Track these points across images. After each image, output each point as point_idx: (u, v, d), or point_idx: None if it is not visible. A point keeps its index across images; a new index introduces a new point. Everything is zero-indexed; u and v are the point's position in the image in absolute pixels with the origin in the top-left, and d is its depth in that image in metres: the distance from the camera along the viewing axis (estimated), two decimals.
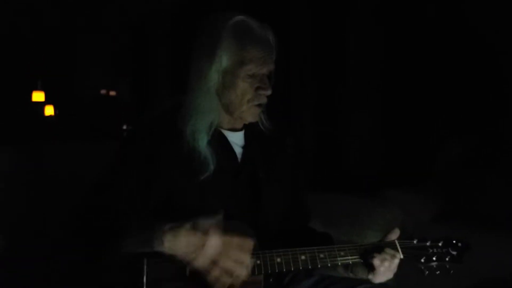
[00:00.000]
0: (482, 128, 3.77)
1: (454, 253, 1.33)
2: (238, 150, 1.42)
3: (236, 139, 1.43)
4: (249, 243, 1.19)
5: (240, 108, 1.36)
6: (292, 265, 1.27)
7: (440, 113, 4.01)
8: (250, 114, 1.38)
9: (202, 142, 1.32)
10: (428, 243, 1.34)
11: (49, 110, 7.89)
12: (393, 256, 1.29)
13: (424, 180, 3.70)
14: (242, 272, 1.17)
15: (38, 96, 7.78)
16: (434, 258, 1.32)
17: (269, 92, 1.36)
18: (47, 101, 7.88)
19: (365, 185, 4.01)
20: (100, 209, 1.30)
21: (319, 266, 1.28)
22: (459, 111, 3.92)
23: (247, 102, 1.35)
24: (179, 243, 1.15)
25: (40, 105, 7.83)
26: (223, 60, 1.30)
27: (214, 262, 1.16)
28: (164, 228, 1.16)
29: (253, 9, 1.42)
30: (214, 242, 1.15)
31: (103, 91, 8.61)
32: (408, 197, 3.43)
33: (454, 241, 1.35)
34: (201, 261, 1.15)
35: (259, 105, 1.38)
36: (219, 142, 1.38)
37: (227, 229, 1.21)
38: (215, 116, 1.35)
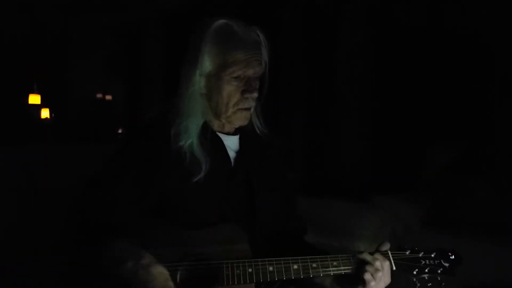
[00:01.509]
0: (470, 135, 3.82)
1: (447, 265, 1.32)
2: (232, 155, 1.42)
3: (231, 143, 1.43)
4: None
5: (226, 112, 1.36)
6: (284, 274, 1.26)
7: (429, 120, 4.05)
8: (237, 118, 1.38)
9: (190, 143, 1.33)
10: (420, 255, 1.33)
11: (45, 113, 7.88)
12: (385, 268, 1.28)
13: (413, 186, 3.74)
14: None
15: (34, 99, 7.75)
16: (426, 270, 1.31)
17: (255, 95, 1.35)
18: (43, 104, 7.86)
19: (355, 191, 4.05)
20: (92, 208, 1.32)
21: (311, 275, 1.27)
22: (448, 118, 3.96)
23: (233, 106, 1.35)
24: (146, 278, 1.16)
25: (36, 108, 7.81)
26: (205, 63, 1.31)
27: None
28: (143, 256, 1.18)
29: (246, 13, 1.44)
30: None
31: (99, 95, 8.59)
32: (398, 203, 3.46)
33: (447, 253, 1.33)
34: None
35: (246, 109, 1.37)
36: (214, 144, 1.39)
37: (222, 232, 1.25)
38: (200, 118, 1.36)
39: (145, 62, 7.70)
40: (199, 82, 1.33)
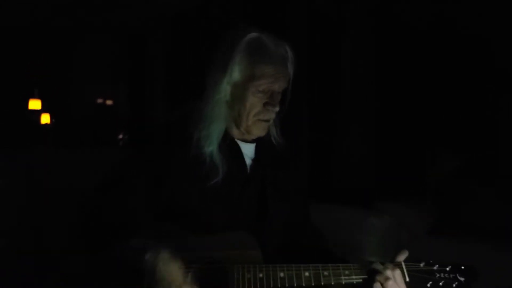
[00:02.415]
0: (475, 141, 3.81)
1: (462, 279, 1.29)
2: (249, 162, 1.45)
3: (248, 151, 1.46)
4: None
5: (246, 121, 1.38)
6: (295, 281, 1.25)
7: (434, 125, 4.05)
8: (256, 128, 1.40)
9: (212, 148, 1.36)
10: (435, 267, 1.30)
11: (45, 118, 7.88)
12: (397, 277, 1.26)
13: (419, 192, 3.72)
14: None
15: (34, 104, 7.77)
16: (441, 284, 1.28)
17: (276, 109, 1.39)
18: (44, 109, 7.87)
19: (360, 197, 4.02)
20: (107, 207, 1.34)
21: (322, 283, 1.26)
22: (453, 124, 3.95)
23: (254, 116, 1.37)
24: (164, 273, 1.18)
25: (37, 113, 7.82)
26: (235, 73, 1.34)
27: None
28: (160, 252, 1.19)
29: (251, 21, 1.45)
30: None
31: (99, 100, 8.61)
32: (403, 209, 3.44)
33: (462, 267, 1.30)
34: None
35: (266, 121, 1.40)
36: (231, 150, 1.41)
37: (233, 240, 1.25)
38: (223, 125, 1.39)
39: (145, 67, 7.73)
40: (225, 90, 1.36)
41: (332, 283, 1.26)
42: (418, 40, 4.08)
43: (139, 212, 1.34)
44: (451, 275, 1.29)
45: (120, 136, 8.18)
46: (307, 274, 1.25)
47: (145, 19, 7.15)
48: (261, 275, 1.24)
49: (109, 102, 8.76)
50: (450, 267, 1.30)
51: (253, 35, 1.36)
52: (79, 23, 7.39)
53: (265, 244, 1.30)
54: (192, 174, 1.35)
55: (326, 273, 1.26)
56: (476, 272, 1.30)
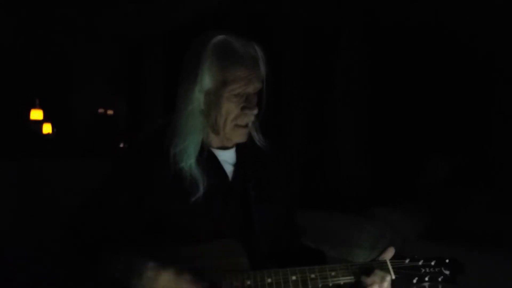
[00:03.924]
0: (468, 147, 3.85)
1: (447, 272, 1.30)
2: (229, 169, 1.41)
3: (227, 157, 1.42)
4: None
5: (224, 128, 1.34)
6: (283, 285, 1.25)
7: (428, 132, 4.09)
8: (236, 134, 1.36)
9: (190, 163, 1.31)
10: (420, 263, 1.31)
11: (47, 128, 7.92)
12: (384, 277, 1.26)
13: (411, 198, 3.77)
14: None
15: (36, 114, 7.80)
16: (426, 279, 1.29)
17: (255, 112, 1.34)
18: (45, 119, 7.91)
19: (353, 203, 4.06)
20: (86, 227, 1.32)
21: (310, 287, 1.26)
22: (447, 130, 4.00)
23: (231, 121, 1.33)
24: (157, 285, 1.17)
25: (38, 123, 7.86)
26: (205, 80, 1.29)
27: None
28: (147, 265, 1.18)
29: (244, 30, 1.44)
30: None
31: (100, 110, 8.63)
32: (396, 215, 3.49)
33: (447, 260, 1.31)
34: None
35: (245, 126, 1.35)
36: (209, 162, 1.37)
37: (219, 247, 1.25)
38: (199, 136, 1.34)
39: (146, 77, 7.76)
40: (198, 99, 1.31)
41: (320, 285, 1.26)
42: (411, 48, 4.13)
43: (120, 230, 1.32)
44: (436, 269, 1.30)
45: (121, 146, 8.20)
46: (294, 278, 1.25)
47: (146, 30, 7.20)
48: (248, 282, 1.24)
49: (110, 112, 8.78)
50: (434, 261, 1.31)
51: (218, 38, 1.30)
52: (79, 34, 7.45)
53: (252, 250, 1.29)
54: (173, 190, 1.32)
55: (313, 275, 1.26)
56: (461, 265, 1.31)
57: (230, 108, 1.31)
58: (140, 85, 7.86)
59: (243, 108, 1.32)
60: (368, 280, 1.26)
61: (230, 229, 1.35)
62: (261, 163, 1.46)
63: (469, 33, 3.75)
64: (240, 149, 1.44)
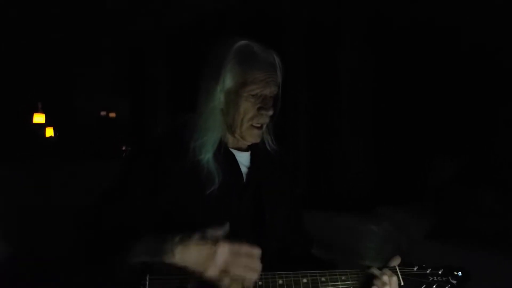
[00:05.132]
0: (475, 146, 3.83)
1: (454, 282, 1.32)
2: (244, 170, 1.46)
3: (243, 159, 1.47)
4: (257, 250, 1.22)
5: (241, 127, 1.41)
6: (293, 287, 1.26)
7: (434, 132, 4.07)
8: (250, 134, 1.42)
9: (208, 157, 1.37)
10: (428, 271, 1.33)
11: (49, 132, 7.95)
12: (392, 283, 1.29)
13: (417, 198, 3.75)
14: (253, 277, 1.21)
15: (38, 118, 7.84)
16: (434, 287, 1.31)
17: (270, 113, 1.40)
18: (48, 122, 7.94)
19: (360, 203, 4.05)
20: (107, 218, 1.35)
21: None
22: (452, 130, 3.98)
23: (248, 121, 1.40)
24: (190, 254, 1.20)
25: (41, 127, 7.89)
26: (227, 80, 1.38)
27: (225, 271, 1.19)
28: (174, 240, 1.21)
29: (248, 34, 1.49)
30: (223, 251, 1.19)
31: (103, 113, 8.66)
32: (401, 215, 3.46)
33: (454, 270, 1.33)
34: (212, 271, 1.19)
35: (260, 127, 1.42)
36: (227, 160, 1.42)
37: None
38: (218, 133, 1.40)
39: (148, 79, 7.77)
40: (219, 98, 1.39)
41: None
42: (416, 47, 4.12)
43: (138, 222, 1.34)
44: (443, 278, 1.32)
45: (124, 148, 8.21)
46: (305, 280, 1.27)
47: (148, 32, 7.21)
48: (260, 283, 1.25)
49: (112, 114, 8.80)
50: (442, 270, 1.33)
51: (242, 43, 1.40)
52: (82, 37, 7.47)
53: (264, 252, 1.28)
54: (189, 183, 1.36)
55: (323, 279, 1.28)
56: (468, 274, 1.33)
57: (247, 108, 1.39)
58: (143, 87, 7.87)
59: (259, 109, 1.39)
60: (379, 284, 1.28)
61: (242, 229, 1.36)
62: (272, 168, 1.51)
63: (475, 32, 3.73)
64: (254, 152, 1.49)
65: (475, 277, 1.36)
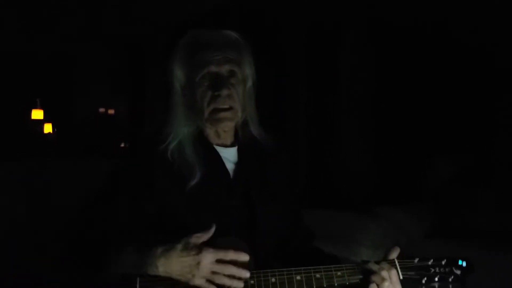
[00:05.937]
0: (474, 146, 3.83)
1: (458, 272, 1.26)
2: (231, 167, 1.40)
3: (229, 155, 1.42)
4: (244, 256, 1.20)
5: (205, 114, 1.36)
6: (287, 285, 1.23)
7: (433, 131, 4.07)
8: (217, 119, 1.36)
9: (187, 152, 1.35)
10: (430, 262, 1.27)
11: (48, 128, 7.93)
12: (392, 277, 1.24)
13: (416, 197, 3.75)
14: (239, 286, 1.19)
15: (37, 114, 7.82)
16: (436, 279, 1.25)
17: (224, 92, 1.34)
18: (46, 119, 7.92)
19: (358, 202, 4.04)
20: (94, 224, 1.32)
21: (314, 286, 1.24)
22: (451, 130, 3.98)
23: (208, 105, 1.35)
24: (172, 266, 1.17)
25: (39, 123, 7.87)
26: (179, 71, 1.39)
27: (210, 280, 1.17)
28: (156, 252, 1.18)
29: (246, 32, 1.46)
30: (207, 261, 1.17)
31: (101, 110, 8.63)
32: (400, 214, 3.46)
33: (457, 260, 1.27)
34: (197, 281, 1.17)
35: (224, 109, 1.35)
36: (211, 157, 1.38)
37: (223, 246, 1.21)
38: (190, 129, 1.38)
39: (147, 76, 7.75)
40: (178, 91, 1.40)
41: (325, 285, 1.24)
42: (416, 48, 4.12)
43: (127, 225, 1.32)
44: (446, 269, 1.26)
45: (122, 145, 8.19)
46: (298, 278, 1.23)
47: (147, 29, 7.20)
48: (252, 281, 1.22)
49: (111, 111, 8.78)
50: (445, 261, 1.27)
51: (189, 32, 1.42)
52: (80, 34, 7.45)
53: (255, 249, 1.27)
54: (173, 181, 1.33)
55: (318, 275, 1.24)
56: (472, 265, 1.27)
57: (202, 92, 1.35)
58: (141, 84, 7.85)
59: (212, 89, 1.34)
60: (377, 279, 1.23)
61: (234, 227, 1.32)
62: (263, 163, 1.45)
63: (474, 32, 3.73)
64: (241, 148, 1.44)
65: (475, 277, 1.32)
